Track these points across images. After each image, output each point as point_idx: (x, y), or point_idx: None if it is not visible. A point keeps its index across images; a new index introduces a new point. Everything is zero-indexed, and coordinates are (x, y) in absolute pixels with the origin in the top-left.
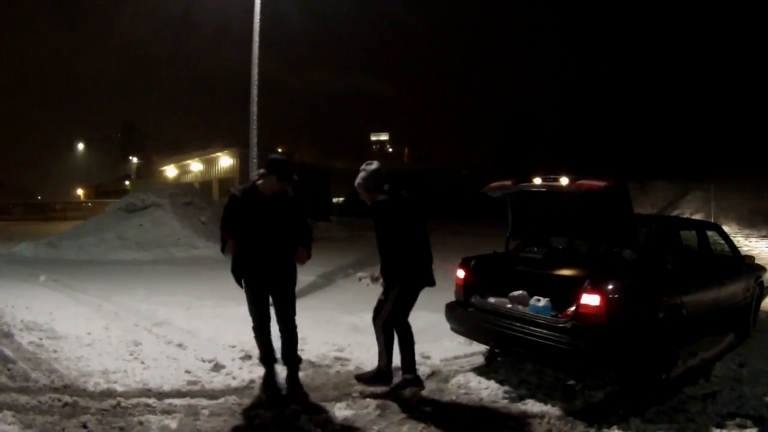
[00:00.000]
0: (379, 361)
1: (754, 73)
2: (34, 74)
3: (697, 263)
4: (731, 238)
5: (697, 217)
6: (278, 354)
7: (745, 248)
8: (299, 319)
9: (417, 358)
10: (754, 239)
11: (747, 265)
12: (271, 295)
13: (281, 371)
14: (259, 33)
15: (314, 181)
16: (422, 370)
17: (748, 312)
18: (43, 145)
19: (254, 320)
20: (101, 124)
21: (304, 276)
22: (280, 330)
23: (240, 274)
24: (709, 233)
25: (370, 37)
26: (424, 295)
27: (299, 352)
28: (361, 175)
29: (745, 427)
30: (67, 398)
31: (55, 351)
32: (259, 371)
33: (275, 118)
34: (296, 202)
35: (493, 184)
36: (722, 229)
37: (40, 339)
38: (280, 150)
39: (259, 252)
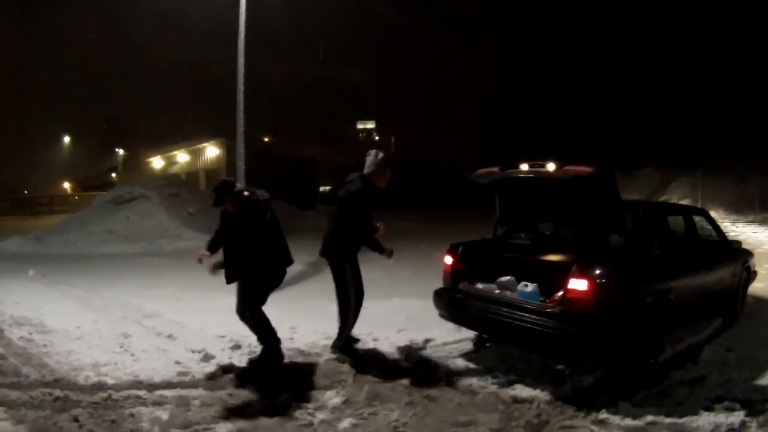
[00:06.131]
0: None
1: (741, 61)
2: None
3: (684, 248)
4: (718, 223)
5: (684, 203)
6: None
7: (732, 233)
8: (286, 309)
9: (407, 343)
10: (740, 224)
11: (734, 249)
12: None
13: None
14: (245, 24)
15: (299, 171)
16: (412, 356)
17: (736, 296)
18: (26, 139)
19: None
20: (85, 117)
21: (293, 265)
22: None
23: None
24: (696, 218)
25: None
26: (413, 282)
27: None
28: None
29: (734, 410)
30: (58, 392)
31: (45, 345)
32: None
33: (259, 107)
34: (244, 213)
35: (481, 170)
36: (709, 215)
37: (30, 334)
38: (266, 139)
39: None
